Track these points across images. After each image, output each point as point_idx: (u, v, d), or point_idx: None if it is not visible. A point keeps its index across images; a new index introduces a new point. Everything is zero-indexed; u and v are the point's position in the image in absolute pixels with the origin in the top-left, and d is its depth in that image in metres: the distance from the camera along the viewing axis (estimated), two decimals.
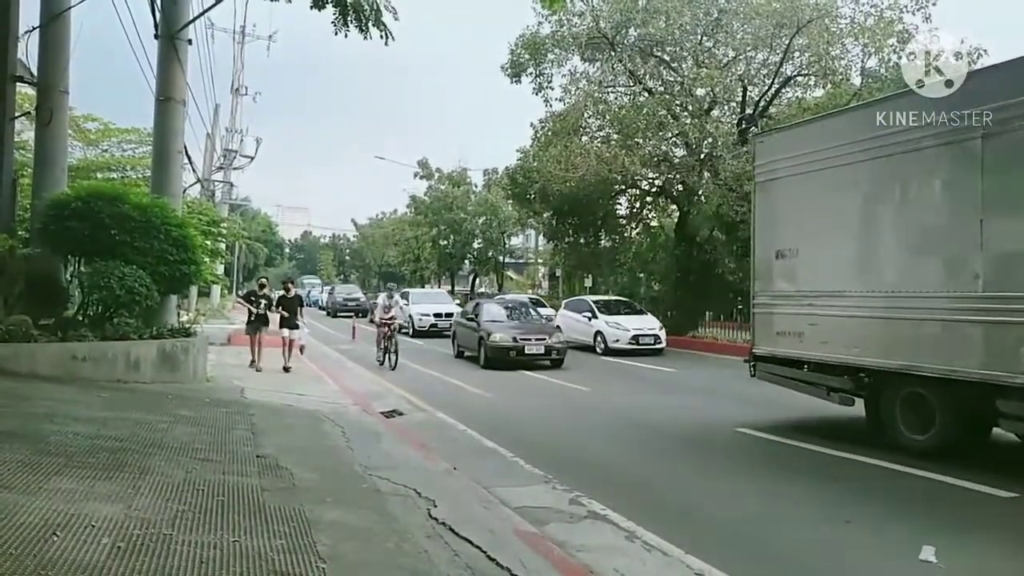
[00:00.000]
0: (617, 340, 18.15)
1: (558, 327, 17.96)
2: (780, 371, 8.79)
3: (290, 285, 14.14)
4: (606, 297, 22.14)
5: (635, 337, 18.09)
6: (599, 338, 18.61)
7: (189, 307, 22.13)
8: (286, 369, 12.57)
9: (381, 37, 9.85)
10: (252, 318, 13.08)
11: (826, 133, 8.28)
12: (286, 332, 12.95)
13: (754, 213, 9.45)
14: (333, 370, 13.95)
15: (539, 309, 19.53)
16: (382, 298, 16.86)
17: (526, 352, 14.86)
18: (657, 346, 18.33)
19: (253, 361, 12.63)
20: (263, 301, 13.17)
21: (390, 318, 15.16)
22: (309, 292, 54.51)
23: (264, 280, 14.69)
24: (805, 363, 8.38)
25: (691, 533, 4.83)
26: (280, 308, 13.10)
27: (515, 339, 14.98)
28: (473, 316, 16.86)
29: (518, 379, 13.57)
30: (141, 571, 3.20)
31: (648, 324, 18.95)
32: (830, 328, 7.92)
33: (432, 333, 23.54)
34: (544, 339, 15.24)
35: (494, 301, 19.13)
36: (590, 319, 19.19)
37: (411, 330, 23.77)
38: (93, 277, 9.16)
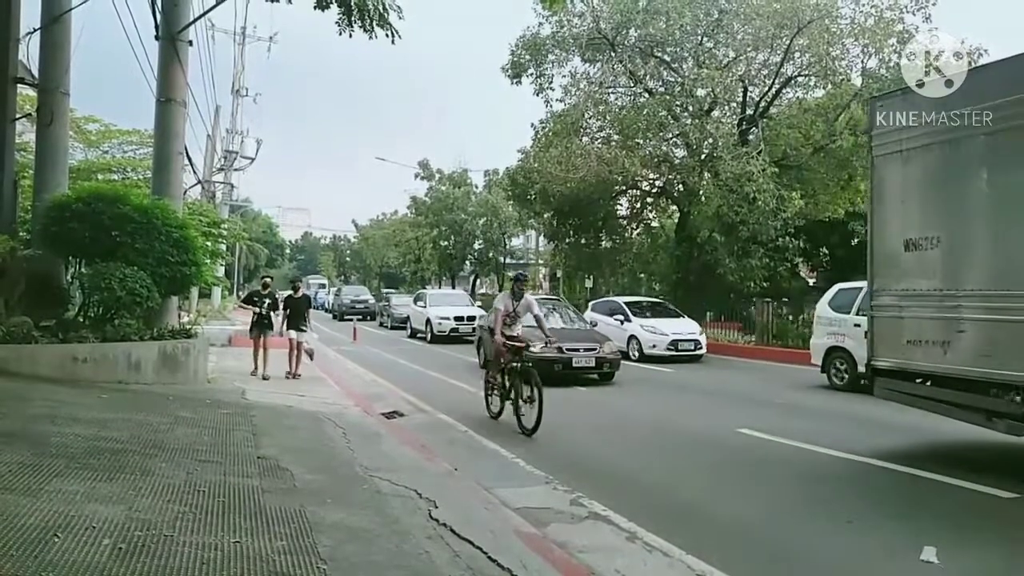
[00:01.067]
0: (654, 346, 16.89)
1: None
2: (913, 389, 7.18)
3: (298, 284, 13.27)
4: (639, 298, 20.75)
5: (674, 342, 16.80)
6: (633, 343, 17.31)
7: (190, 308, 22.18)
8: (294, 376, 11.84)
9: (387, 36, 9.85)
10: (255, 319, 12.23)
11: (996, 84, 6.32)
12: (293, 334, 12.11)
13: (871, 195, 7.80)
14: (334, 371, 13.94)
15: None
16: (503, 298, 9.30)
17: (574, 365, 12.59)
18: (697, 352, 17.06)
19: (256, 369, 11.85)
20: (267, 301, 12.31)
21: (516, 337, 8.90)
22: (316, 293, 52.36)
23: (267, 279, 13.61)
24: (949, 380, 6.76)
25: (692, 534, 4.82)
26: (287, 310, 12.28)
27: (561, 350, 12.48)
28: None
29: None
30: (142, 572, 3.21)
31: (687, 328, 17.61)
32: (991, 337, 6.30)
33: (452, 338, 21.82)
34: (595, 349, 12.99)
35: None
36: (623, 322, 17.79)
37: (429, 335, 22.57)
38: (94, 278, 9.16)
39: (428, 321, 22.82)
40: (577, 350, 12.77)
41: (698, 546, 4.52)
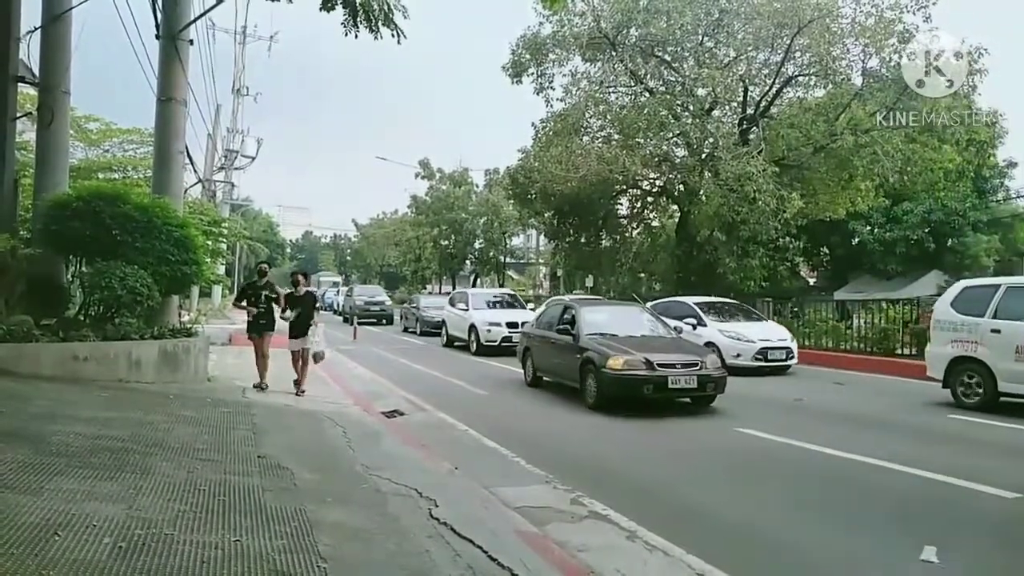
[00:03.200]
0: (738, 355, 14.10)
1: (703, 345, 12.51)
2: None
3: (300, 278, 10.60)
4: (711, 299, 17.46)
5: (763, 351, 14.19)
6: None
7: (190, 307, 22.19)
8: (300, 391, 9.99)
9: (392, 36, 9.86)
10: (251, 318, 10.22)
11: None
12: (297, 345, 10.05)
13: None
14: (334, 371, 13.91)
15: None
16: None
17: (670, 386, 9.39)
18: (789, 361, 14.42)
19: (261, 383, 10.12)
20: (263, 294, 10.23)
21: None
22: (324, 293, 46.74)
23: (264, 265, 11.14)
24: None
25: (692, 533, 4.82)
26: (286, 310, 10.22)
27: (650, 364, 9.47)
28: (566, 328, 11.31)
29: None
30: (142, 571, 3.21)
31: (776, 334, 14.92)
32: None
33: (504, 349, 17.26)
34: (696, 365, 9.65)
35: (594, 305, 13.42)
36: (695, 327, 14.94)
37: (474, 344, 18.48)
38: (94, 277, 9.17)
39: (473, 328, 18.68)
40: (673, 366, 9.61)
41: (698, 545, 4.52)
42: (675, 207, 25.40)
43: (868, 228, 28.13)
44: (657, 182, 24.58)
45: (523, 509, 5.20)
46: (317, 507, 4.52)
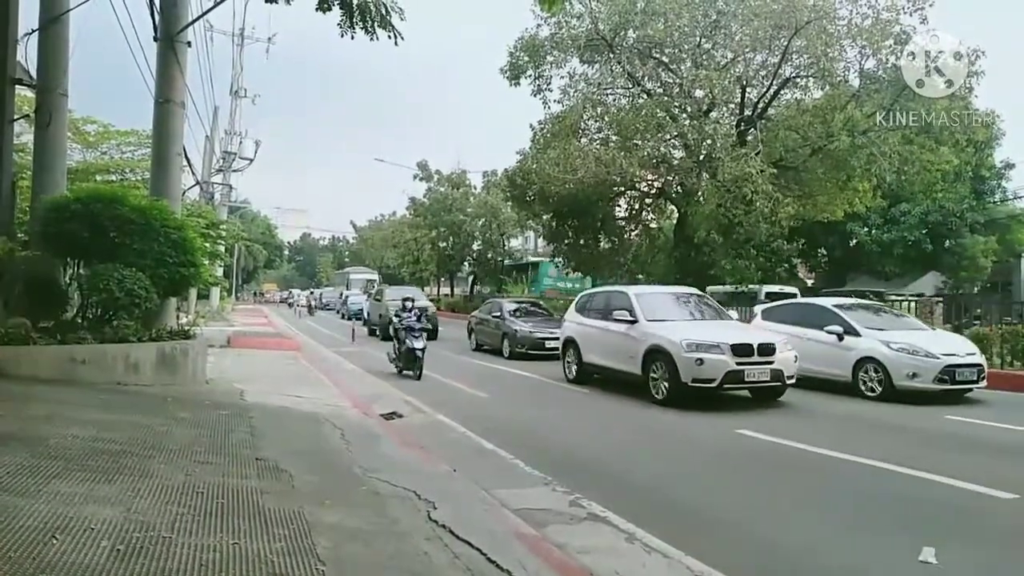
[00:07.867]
0: (913, 374, 10.61)
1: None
2: None
3: None
4: (851, 300, 13.86)
5: (949, 369, 10.54)
6: (870, 371, 11.03)
7: (188, 309, 22.17)
8: None
9: (389, 37, 9.86)
10: None
11: None
12: None
13: None
14: (332, 373, 13.90)
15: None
16: None
17: None
18: (979, 384, 10.91)
19: None
20: None
21: None
22: (347, 297, 38.08)
23: None
24: None
25: (691, 535, 4.82)
26: None
27: None
28: None
29: (512, 378, 13.42)
30: (141, 574, 3.20)
31: (960, 347, 11.29)
32: None
33: (717, 398, 10.42)
34: None
35: None
36: (842, 337, 11.46)
37: (662, 387, 10.39)
38: (92, 279, 9.15)
39: (657, 354, 10.52)
40: None
41: (697, 547, 4.52)
42: (673, 208, 25.42)
43: (866, 229, 28.23)
44: (655, 184, 24.60)
45: (522, 511, 5.20)
46: (315, 509, 4.51)
